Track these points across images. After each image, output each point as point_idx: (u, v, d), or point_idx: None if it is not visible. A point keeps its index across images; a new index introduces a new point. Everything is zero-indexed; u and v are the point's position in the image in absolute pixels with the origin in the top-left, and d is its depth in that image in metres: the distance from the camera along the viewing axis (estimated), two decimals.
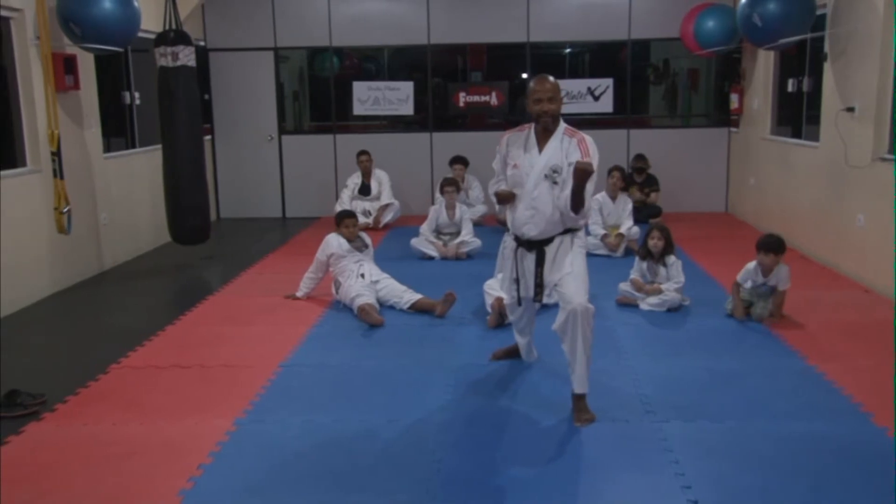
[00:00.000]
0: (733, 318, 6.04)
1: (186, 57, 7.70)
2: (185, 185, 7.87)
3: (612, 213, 8.56)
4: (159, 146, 8.11)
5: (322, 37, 11.03)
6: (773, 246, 5.96)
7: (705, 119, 11.56)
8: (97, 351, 5.55)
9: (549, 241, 4.41)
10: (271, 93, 11.22)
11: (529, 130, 4.46)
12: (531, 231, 4.41)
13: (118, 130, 9.05)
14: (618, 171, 8.71)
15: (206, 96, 11.12)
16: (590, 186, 4.19)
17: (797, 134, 9.01)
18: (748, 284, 6.09)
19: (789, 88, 8.87)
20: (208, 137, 11.02)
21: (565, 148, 4.32)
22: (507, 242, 4.67)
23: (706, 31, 9.74)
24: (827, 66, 7.77)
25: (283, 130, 11.38)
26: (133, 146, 9.19)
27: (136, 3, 7.55)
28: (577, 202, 4.19)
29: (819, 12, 7.85)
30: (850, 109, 7.20)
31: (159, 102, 7.82)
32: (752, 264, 6.10)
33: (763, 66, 9.76)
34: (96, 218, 8.10)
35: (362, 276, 6.51)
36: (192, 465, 3.81)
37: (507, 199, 4.43)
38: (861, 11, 7.12)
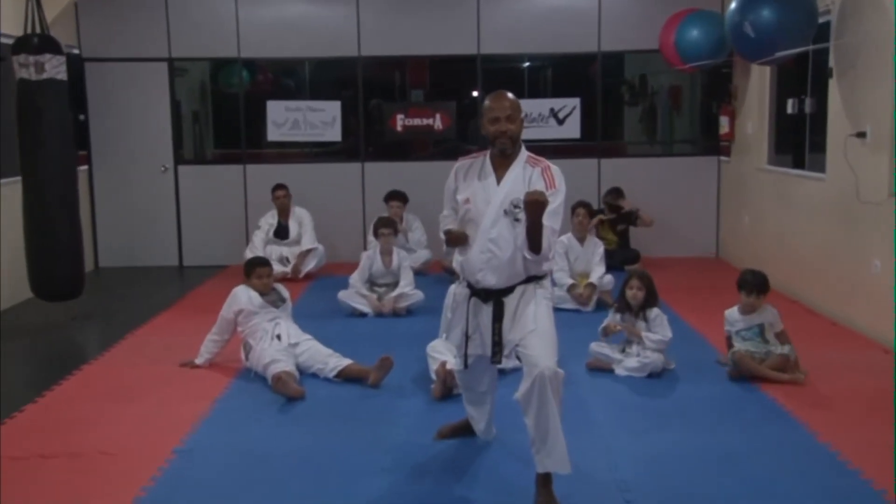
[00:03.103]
0: (730, 378, 6.18)
1: (55, 68, 7.64)
2: (51, 226, 7.75)
3: (580, 257, 8.69)
4: (18, 178, 7.98)
5: (228, 46, 11.06)
6: (756, 283, 6.28)
7: (690, 146, 11.81)
8: None
9: (508, 290, 4.44)
10: (165, 113, 11.17)
11: (484, 157, 4.52)
12: (488, 278, 4.44)
13: None
14: (583, 208, 8.84)
15: (82, 117, 11.03)
16: (551, 223, 4.26)
17: (799, 164, 9.23)
18: (735, 329, 6.35)
19: (789, 110, 9.04)
20: (84, 168, 10.93)
21: (527, 177, 4.38)
22: (457, 291, 4.70)
23: (690, 43, 9.92)
24: (832, 84, 7.96)
25: (179, 159, 11.33)
26: None
27: None
28: (534, 241, 4.25)
29: (822, 20, 8.02)
30: (861, 135, 7.36)
31: (18, 124, 7.71)
32: (730, 309, 6.41)
33: (757, 84, 10.01)
34: None
35: (278, 337, 6.46)
36: None
37: (459, 240, 4.47)
38: (872, 19, 7.28)
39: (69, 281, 7.99)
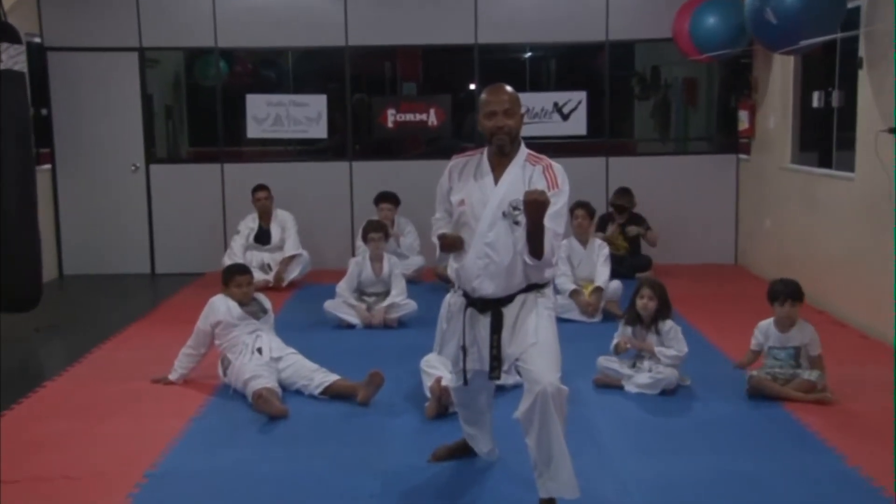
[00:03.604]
0: (750, 396, 6.17)
1: (12, 58, 7.62)
2: (7, 230, 7.73)
3: (583, 261, 8.73)
4: None
5: (204, 34, 11.07)
6: (789, 291, 6.20)
7: (706, 143, 11.84)
8: None
9: (508, 299, 4.47)
10: (135, 108, 11.18)
11: (481, 155, 4.55)
12: (485, 287, 4.46)
13: None
14: (583, 209, 8.85)
15: (44, 111, 11.04)
16: (553, 225, 4.27)
17: (826, 162, 9.24)
18: (768, 345, 6.29)
19: (814, 103, 9.06)
20: (46, 167, 10.95)
21: (528, 177, 4.41)
22: (452, 301, 4.72)
23: (706, 31, 9.94)
24: (862, 75, 7.98)
25: (151, 158, 11.33)
26: None
27: None
28: (535, 245, 4.27)
29: (851, 5, 8.01)
30: (894, 130, 7.35)
31: None
32: (765, 322, 6.31)
33: (780, 76, 10.03)
34: None
35: (259, 351, 6.47)
36: None
37: (454, 245, 4.49)
38: None
39: (25, 290, 7.93)
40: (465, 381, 4.69)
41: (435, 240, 4.62)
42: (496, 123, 4.40)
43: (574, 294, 8.51)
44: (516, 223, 4.37)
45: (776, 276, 9.62)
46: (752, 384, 6.20)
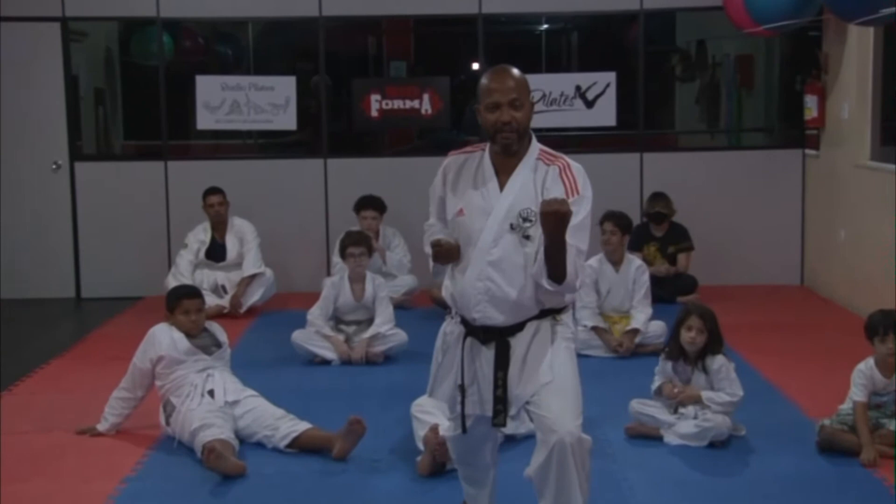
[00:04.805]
0: (819, 450, 6.12)
1: None
2: None
3: (614, 288, 8.66)
4: None
5: (144, 1, 11.08)
6: (892, 324, 6.07)
7: (765, 136, 11.88)
8: None
9: (517, 328, 4.47)
10: (57, 92, 11.20)
11: (482, 153, 4.55)
12: (488, 315, 4.45)
13: None
14: (612, 222, 8.69)
15: None
16: (576, 242, 4.25)
17: None
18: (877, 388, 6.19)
19: None
20: None
21: (540, 181, 4.41)
22: (449, 330, 4.71)
23: None
24: None
25: (77, 154, 11.36)
26: None
27: None
28: (556, 267, 4.25)
29: None
30: None
31: None
32: (864, 364, 6.20)
33: (856, 52, 10.03)
34: None
35: (211, 393, 6.46)
36: None
37: (449, 254, 4.47)
38: None
39: None
40: (464, 429, 4.67)
41: (427, 249, 4.58)
42: (501, 118, 4.37)
43: (598, 330, 8.47)
44: (527, 237, 4.37)
45: (851, 300, 9.77)
46: (823, 435, 6.17)
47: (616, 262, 8.69)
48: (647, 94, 11.34)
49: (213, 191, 10.59)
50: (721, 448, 6.31)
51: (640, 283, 8.63)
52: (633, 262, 8.81)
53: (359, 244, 8.78)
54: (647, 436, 6.49)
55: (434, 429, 5.86)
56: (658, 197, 10.59)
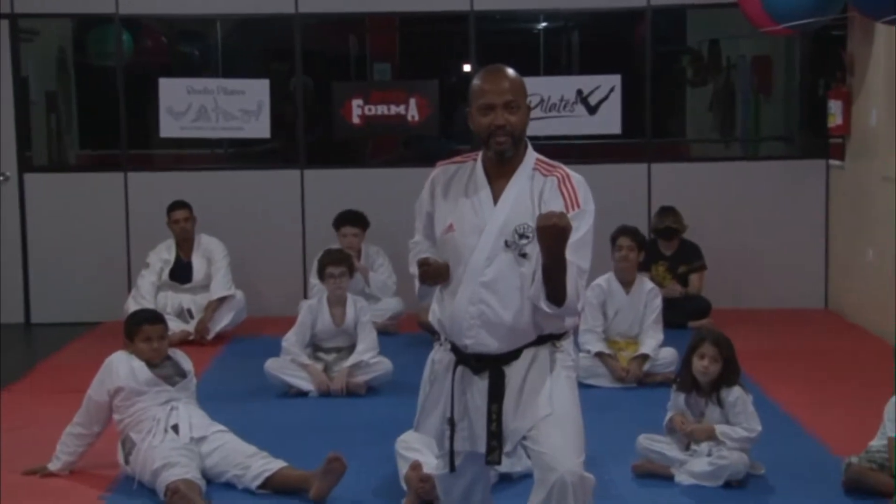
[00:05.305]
0: (845, 490, 6.10)
1: None
2: None
3: (622, 310, 8.67)
4: None
5: None
6: None
7: (785, 145, 11.90)
8: None
9: (512, 355, 4.46)
10: (6, 96, 11.17)
11: (474, 163, 4.55)
12: (481, 340, 4.44)
13: None
14: (628, 238, 8.69)
15: None
16: (577, 259, 4.24)
17: None
18: None
19: None
20: None
21: (538, 192, 4.41)
22: (437, 357, 4.69)
23: None
24: None
25: (26, 165, 11.35)
26: None
27: None
28: (555, 287, 4.24)
29: None
30: None
31: None
32: None
33: (884, 53, 10.03)
34: None
35: (175, 429, 6.43)
36: None
37: (437, 275, 4.46)
38: None
39: None
40: (453, 468, 4.66)
41: (413, 270, 4.57)
42: (494, 121, 4.38)
43: (603, 356, 8.46)
44: (523, 255, 4.36)
45: (879, 325, 9.78)
46: (850, 474, 6.14)
47: (627, 283, 8.68)
48: (655, 98, 11.37)
49: (178, 205, 10.58)
50: (738, 488, 6.29)
51: (651, 308, 8.63)
52: (646, 283, 8.81)
53: (339, 264, 8.78)
54: (656, 475, 6.47)
55: (415, 466, 5.87)
56: (667, 211, 10.59)
